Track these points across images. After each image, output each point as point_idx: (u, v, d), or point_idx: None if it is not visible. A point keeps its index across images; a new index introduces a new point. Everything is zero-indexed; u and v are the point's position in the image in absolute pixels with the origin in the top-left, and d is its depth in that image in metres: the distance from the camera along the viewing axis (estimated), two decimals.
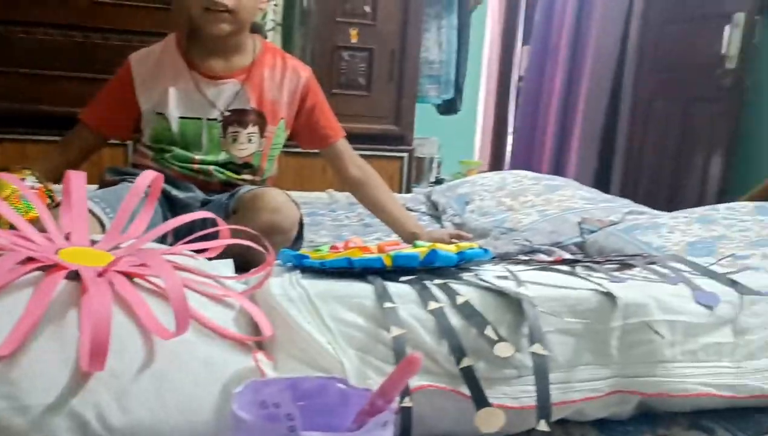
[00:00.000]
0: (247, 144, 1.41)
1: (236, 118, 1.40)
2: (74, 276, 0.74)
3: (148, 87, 1.38)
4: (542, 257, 1.48)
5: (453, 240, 1.33)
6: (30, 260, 0.73)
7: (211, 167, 1.39)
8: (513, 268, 0.88)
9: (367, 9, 2.85)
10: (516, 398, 0.74)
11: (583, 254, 1.52)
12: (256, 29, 1.52)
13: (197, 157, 1.39)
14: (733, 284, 0.88)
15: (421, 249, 0.86)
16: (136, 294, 0.72)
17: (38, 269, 0.72)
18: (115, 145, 2.58)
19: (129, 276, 0.77)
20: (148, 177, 0.95)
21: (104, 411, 0.61)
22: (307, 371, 0.69)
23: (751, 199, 1.87)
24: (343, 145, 1.51)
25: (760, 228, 1.32)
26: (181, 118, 1.38)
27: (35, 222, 0.95)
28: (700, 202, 2.53)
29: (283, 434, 0.47)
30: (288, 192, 1.39)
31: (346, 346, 0.72)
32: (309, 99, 1.46)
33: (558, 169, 3.60)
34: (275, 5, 2.91)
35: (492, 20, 4.41)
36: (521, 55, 4.26)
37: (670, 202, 2.77)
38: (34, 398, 0.60)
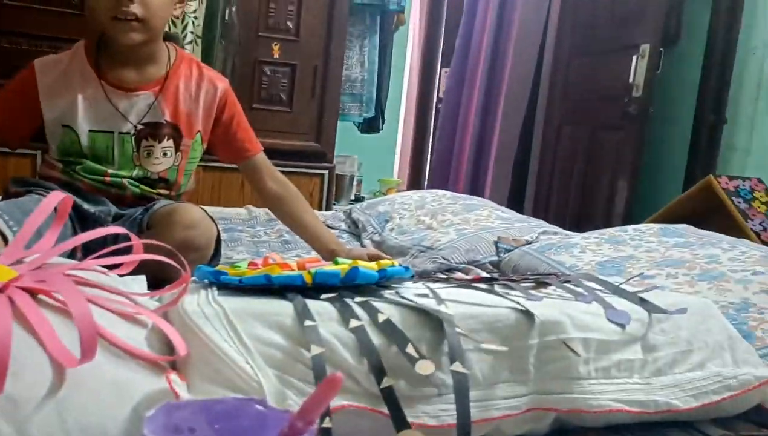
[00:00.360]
0: (162, 158, 1.36)
1: (150, 131, 1.35)
2: None
3: (54, 97, 1.31)
4: (460, 275, 1.50)
5: (372, 258, 1.33)
6: None
7: (125, 180, 1.34)
8: (433, 285, 0.89)
9: (290, 25, 2.84)
10: (436, 416, 0.74)
11: (499, 273, 1.55)
12: (173, 38, 1.47)
13: (109, 170, 1.33)
14: (642, 302, 0.92)
15: (342, 266, 0.85)
16: (39, 313, 0.68)
17: None
18: (22, 155, 2.45)
19: (32, 293, 0.72)
20: (56, 197, 0.90)
21: None
22: (223, 393, 0.66)
23: (655, 222, 1.98)
24: (261, 159, 1.49)
25: (665, 249, 1.39)
26: (91, 131, 1.32)
27: None
28: (606, 223, 2.65)
29: None
30: (205, 207, 1.35)
31: (265, 365, 0.70)
32: (226, 111, 1.43)
33: (474, 190, 3.69)
34: (195, 18, 2.85)
35: (413, 42, 4.49)
36: (441, 77, 4.35)
37: (578, 223, 2.89)
38: None
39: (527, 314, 0.81)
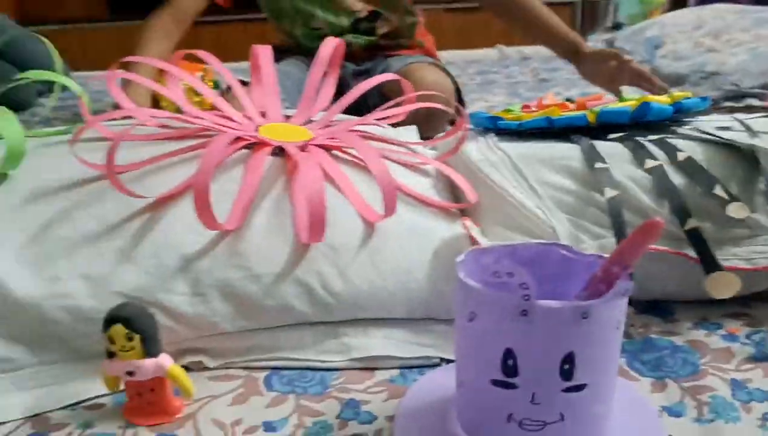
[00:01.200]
0: None
1: None
2: (277, 152, 0.75)
3: None
4: (753, 101, 1.31)
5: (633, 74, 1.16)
6: (236, 138, 0.75)
7: (348, 36, 1.34)
8: (740, 116, 0.77)
9: None
10: (749, 259, 0.67)
11: None
12: None
13: (322, 26, 1.34)
14: None
15: (631, 102, 0.77)
16: (339, 170, 0.72)
17: (244, 146, 0.75)
18: None
19: (327, 149, 0.77)
20: (329, 45, 0.93)
21: (327, 279, 0.63)
22: (518, 238, 0.67)
23: None
24: None
25: None
26: None
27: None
28: None
29: (517, 304, 0.45)
30: (451, 53, 1.29)
31: (557, 210, 0.68)
32: None
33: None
34: None
35: None
36: None
37: None
38: (264, 268, 0.63)
39: None
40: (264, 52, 0.90)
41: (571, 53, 1.22)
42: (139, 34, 1.27)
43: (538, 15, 1.28)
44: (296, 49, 1.39)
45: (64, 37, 2.59)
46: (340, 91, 1.26)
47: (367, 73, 1.36)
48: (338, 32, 1.35)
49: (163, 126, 0.81)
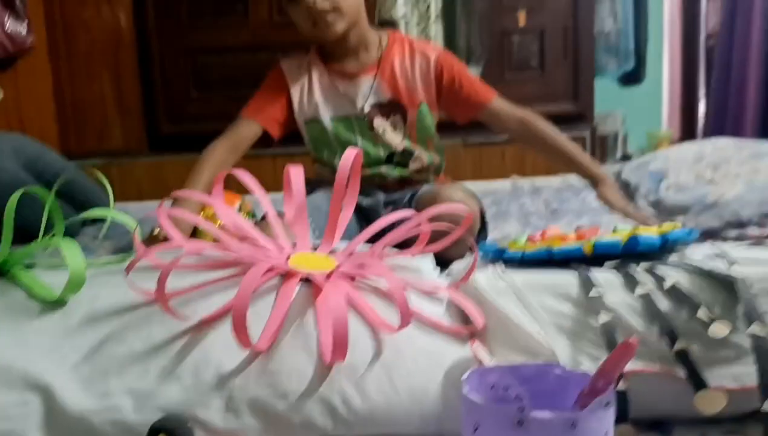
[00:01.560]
0: (393, 132, 1.48)
1: (377, 111, 1.47)
2: (306, 280, 0.84)
3: (298, 93, 1.49)
4: (753, 230, 1.39)
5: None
6: (269, 268, 0.85)
7: (382, 168, 1.47)
8: (723, 245, 0.85)
9: None
10: (735, 378, 0.73)
11: None
12: (389, 23, 1.56)
13: (363, 160, 1.47)
14: None
15: (622, 235, 0.86)
16: (359, 295, 0.81)
17: (276, 275, 0.84)
18: (305, 154, 2.80)
19: (350, 277, 0.86)
20: (350, 155, 0.98)
21: (348, 397, 0.70)
22: (521, 358, 0.73)
23: None
24: (496, 104, 1.50)
25: None
26: (333, 119, 1.48)
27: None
28: None
29: (514, 415, 0.51)
30: (470, 182, 1.41)
31: (556, 334, 0.75)
32: (445, 75, 1.48)
33: (765, 134, 3.28)
34: None
35: None
36: (707, 11, 3.92)
37: None
38: (290, 386, 0.71)
39: None
40: (295, 173, 1.00)
41: (595, 186, 1.45)
42: (196, 163, 1.37)
43: (556, 147, 1.48)
44: (331, 178, 1.51)
45: (105, 169, 2.81)
46: (373, 217, 1.36)
47: (396, 203, 1.47)
48: (374, 163, 1.48)
49: (206, 257, 0.92)
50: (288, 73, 1.50)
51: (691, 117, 4.09)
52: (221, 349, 0.73)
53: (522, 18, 2.85)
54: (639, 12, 3.31)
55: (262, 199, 1.00)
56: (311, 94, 1.48)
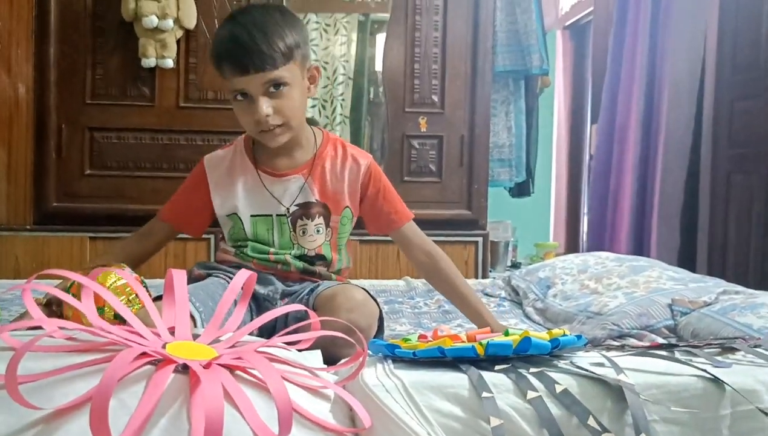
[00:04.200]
0: (315, 235, 1.45)
1: (303, 211, 1.44)
2: (182, 369, 0.77)
3: (221, 190, 1.45)
4: (633, 341, 1.44)
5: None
6: (142, 354, 0.77)
7: (287, 256, 1.43)
8: (609, 354, 0.86)
9: (435, 98, 2.95)
10: None
11: (676, 338, 1.47)
12: (314, 123, 1.58)
13: (272, 249, 1.44)
14: None
15: (514, 337, 0.85)
16: (239, 389, 0.75)
17: (149, 362, 0.76)
18: (198, 240, 2.72)
19: (230, 369, 0.80)
20: (243, 276, 1.00)
21: None
22: None
23: None
24: (409, 229, 1.52)
25: None
26: (252, 216, 1.44)
27: (138, 314, 1.01)
28: None
29: None
30: (364, 281, 1.39)
31: None
32: (371, 186, 1.49)
33: (638, 250, 3.50)
34: (342, 100, 3.06)
35: (559, 101, 4.46)
36: (591, 134, 4.26)
37: (761, 281, 2.64)
38: None
39: (717, 382, 0.77)
40: (178, 275, 0.96)
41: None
42: None
43: (455, 292, 1.49)
44: (233, 262, 1.45)
45: None
46: (266, 308, 1.30)
47: (294, 295, 1.42)
48: (283, 247, 1.44)
49: (72, 338, 0.83)
50: (210, 171, 1.46)
51: (575, 231, 4.34)
52: None
53: (423, 124, 2.96)
54: (530, 129, 3.54)
55: (136, 286, 0.95)
56: (234, 191, 1.44)
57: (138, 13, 2.55)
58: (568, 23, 4.43)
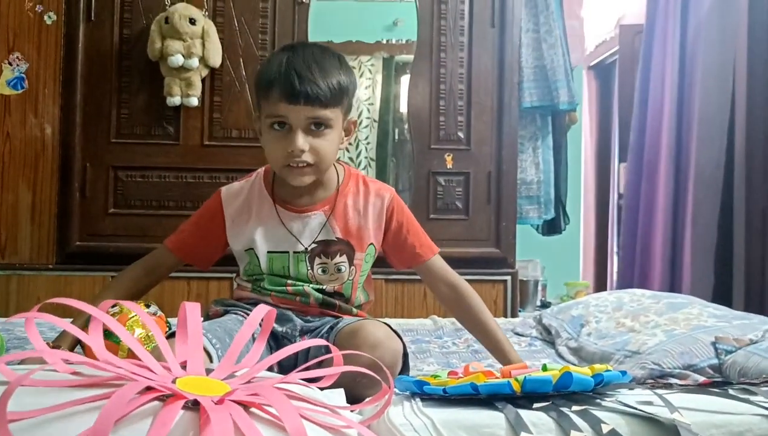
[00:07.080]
0: (336, 274, 1.38)
1: (322, 249, 1.38)
2: (192, 405, 0.71)
3: (237, 224, 1.39)
4: (675, 381, 1.35)
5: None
6: (149, 388, 0.71)
7: (306, 287, 1.37)
8: (659, 391, 0.79)
9: (461, 135, 2.91)
10: None
11: (721, 377, 1.37)
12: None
13: (289, 281, 1.38)
14: None
15: (553, 372, 0.78)
16: (253, 426, 0.68)
17: (157, 398, 0.71)
18: (220, 279, 2.68)
19: (245, 406, 0.74)
20: (262, 311, 0.94)
21: None
22: None
23: None
24: (434, 262, 1.46)
25: None
26: (269, 252, 1.38)
27: (155, 351, 0.96)
28: None
29: None
30: (390, 320, 1.32)
31: None
32: (395, 220, 1.43)
33: (671, 288, 3.39)
34: (368, 143, 3.03)
35: (585, 140, 4.40)
36: (619, 172, 4.18)
37: None
38: None
39: None
40: (192, 309, 0.90)
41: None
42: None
43: (481, 329, 1.43)
44: (249, 298, 1.40)
45: (5, 282, 2.59)
46: (284, 345, 1.24)
47: (314, 332, 1.36)
48: (301, 280, 1.38)
49: (77, 373, 0.77)
50: (227, 204, 1.41)
51: (604, 270, 4.22)
52: None
53: (449, 161, 2.91)
54: (559, 165, 3.48)
55: (146, 319, 0.90)
56: (251, 226, 1.39)
57: (164, 53, 2.56)
58: (593, 63, 4.41)
